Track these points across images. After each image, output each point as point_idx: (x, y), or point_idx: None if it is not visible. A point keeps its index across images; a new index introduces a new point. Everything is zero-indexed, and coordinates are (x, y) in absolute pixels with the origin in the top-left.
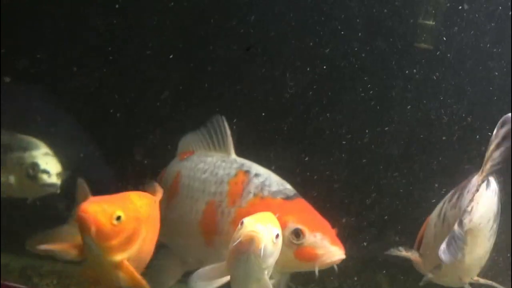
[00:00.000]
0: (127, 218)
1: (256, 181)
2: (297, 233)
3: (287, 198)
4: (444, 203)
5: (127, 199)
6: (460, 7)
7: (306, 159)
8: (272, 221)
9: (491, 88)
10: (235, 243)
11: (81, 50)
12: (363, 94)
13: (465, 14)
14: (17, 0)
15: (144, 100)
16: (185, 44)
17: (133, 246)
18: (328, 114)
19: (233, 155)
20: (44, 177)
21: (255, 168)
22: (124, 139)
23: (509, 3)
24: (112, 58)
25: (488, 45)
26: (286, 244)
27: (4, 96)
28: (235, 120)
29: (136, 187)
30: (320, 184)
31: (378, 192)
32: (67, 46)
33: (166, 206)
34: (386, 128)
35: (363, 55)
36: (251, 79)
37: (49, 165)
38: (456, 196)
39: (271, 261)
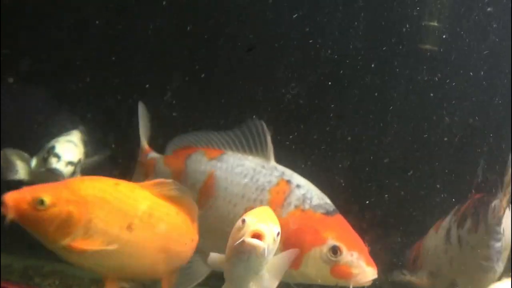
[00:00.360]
0: (54, 202)
1: (298, 193)
2: (335, 250)
3: (327, 213)
4: (450, 230)
5: (62, 183)
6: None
7: (308, 160)
8: (273, 219)
9: (492, 90)
10: (237, 243)
11: (83, 50)
12: (365, 95)
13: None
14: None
15: (146, 101)
16: (186, 45)
17: (76, 230)
18: (331, 115)
19: (273, 162)
20: (53, 160)
21: (296, 178)
22: (126, 139)
23: (510, 4)
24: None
25: (489, 46)
26: (324, 259)
27: (5, 96)
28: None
29: None
30: (322, 184)
31: (380, 193)
32: (68, 46)
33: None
34: (390, 129)
35: (366, 56)
36: (252, 80)
37: (63, 151)
38: (470, 221)
39: (271, 257)
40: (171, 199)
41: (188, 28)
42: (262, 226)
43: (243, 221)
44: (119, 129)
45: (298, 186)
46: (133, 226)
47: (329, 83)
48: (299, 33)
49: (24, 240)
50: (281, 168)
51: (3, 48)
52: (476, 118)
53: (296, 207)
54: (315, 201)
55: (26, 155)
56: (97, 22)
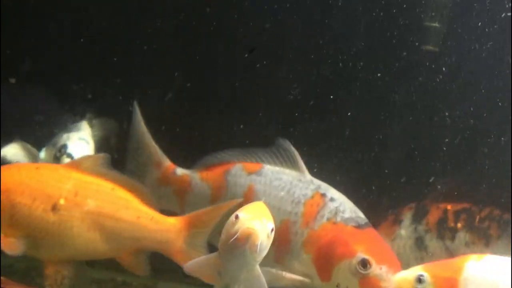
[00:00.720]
0: None
1: (331, 206)
2: (364, 263)
3: (359, 226)
4: (423, 239)
5: None
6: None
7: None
8: (267, 215)
9: (492, 91)
10: (232, 240)
11: (83, 50)
12: (365, 96)
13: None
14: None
15: (147, 102)
16: (188, 45)
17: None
18: (331, 114)
19: (308, 176)
20: (66, 160)
21: (331, 191)
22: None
23: (510, 4)
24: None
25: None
26: (353, 271)
27: (5, 96)
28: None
29: None
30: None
31: (381, 192)
32: (68, 46)
33: None
34: (391, 130)
35: (366, 56)
36: (253, 81)
37: (76, 150)
38: (467, 235)
39: (264, 253)
40: (107, 177)
41: (190, 29)
42: (255, 223)
43: (236, 217)
44: (121, 130)
45: (332, 199)
46: (58, 206)
47: (330, 84)
48: (299, 34)
49: None
50: (317, 181)
51: (3, 48)
52: (476, 119)
53: (328, 219)
54: (347, 214)
55: (34, 149)
56: (97, 22)
